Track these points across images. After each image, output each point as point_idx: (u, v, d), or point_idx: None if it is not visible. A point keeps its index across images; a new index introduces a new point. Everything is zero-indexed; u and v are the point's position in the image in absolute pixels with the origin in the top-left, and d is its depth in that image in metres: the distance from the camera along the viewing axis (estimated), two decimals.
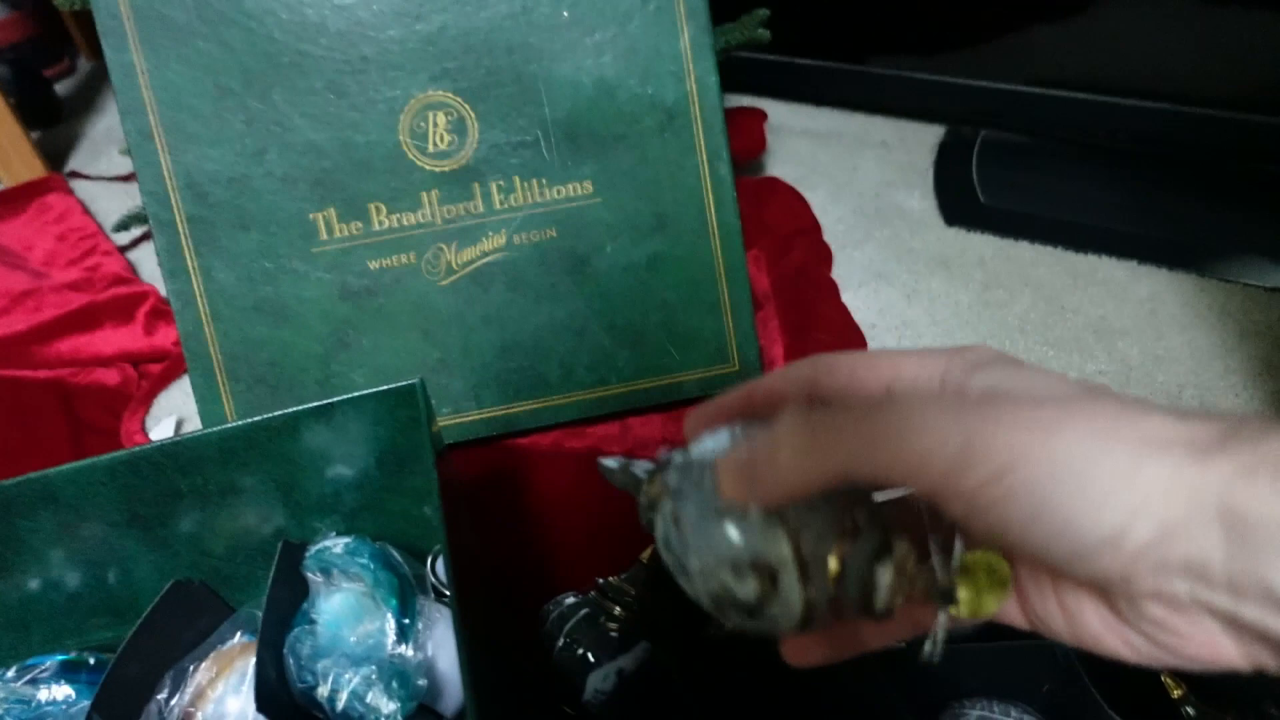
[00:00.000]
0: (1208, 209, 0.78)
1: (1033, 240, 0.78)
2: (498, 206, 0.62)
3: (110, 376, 0.77)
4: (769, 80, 1.03)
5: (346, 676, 0.43)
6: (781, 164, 0.93)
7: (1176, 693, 0.39)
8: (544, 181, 0.62)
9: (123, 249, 0.93)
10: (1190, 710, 0.39)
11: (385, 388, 0.45)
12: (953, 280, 0.75)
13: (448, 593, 0.43)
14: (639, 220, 0.62)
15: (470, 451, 0.64)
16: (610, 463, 0.30)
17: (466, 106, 0.61)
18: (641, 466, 0.29)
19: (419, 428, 0.45)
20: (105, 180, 1.06)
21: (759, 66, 1.02)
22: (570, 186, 0.62)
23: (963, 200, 0.84)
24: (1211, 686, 0.40)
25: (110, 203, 1.01)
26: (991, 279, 0.75)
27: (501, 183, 0.62)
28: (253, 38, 0.59)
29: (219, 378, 0.61)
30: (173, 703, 0.46)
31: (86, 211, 0.99)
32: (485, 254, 0.62)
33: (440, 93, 0.60)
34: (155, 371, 0.77)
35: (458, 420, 0.64)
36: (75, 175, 1.09)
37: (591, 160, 0.62)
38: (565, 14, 0.59)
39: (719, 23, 0.79)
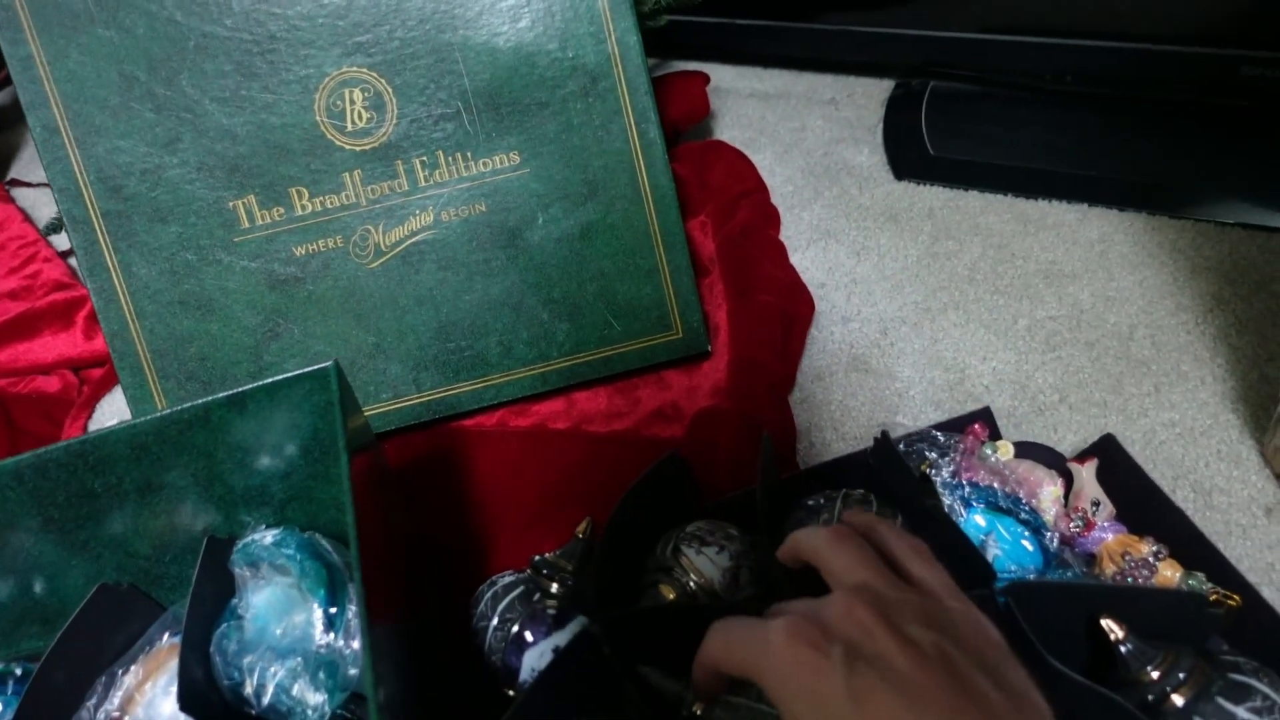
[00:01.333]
0: (1157, 147, 0.76)
1: (982, 189, 0.77)
2: (423, 183, 0.60)
3: (50, 384, 0.75)
4: (714, 43, 1.01)
5: (272, 670, 0.41)
6: (729, 127, 0.92)
7: (1115, 635, 0.38)
8: (469, 155, 0.60)
9: (63, 254, 0.91)
10: (1124, 648, 0.38)
11: (296, 373, 0.44)
12: (902, 234, 0.74)
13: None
14: (569, 189, 0.61)
15: (414, 436, 0.63)
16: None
17: (383, 81, 0.59)
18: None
19: (331, 413, 0.43)
20: (46, 187, 1.04)
21: (704, 30, 0.99)
22: (496, 158, 0.60)
23: (912, 153, 0.82)
24: (1151, 628, 0.39)
25: (52, 209, 0.98)
26: (941, 230, 0.73)
27: (425, 158, 0.60)
28: (154, 22, 0.57)
29: (149, 375, 0.60)
30: (102, 709, 0.44)
31: (27, 219, 0.97)
32: (414, 233, 0.61)
33: (354, 69, 0.58)
34: (96, 376, 0.75)
35: (398, 405, 0.62)
36: (16, 183, 1.07)
37: (516, 130, 0.60)
38: None
39: None
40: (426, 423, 0.63)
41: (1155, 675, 0.38)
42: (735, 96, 0.96)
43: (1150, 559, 0.46)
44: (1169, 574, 0.45)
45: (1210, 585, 0.44)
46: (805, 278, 0.71)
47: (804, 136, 0.88)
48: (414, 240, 0.61)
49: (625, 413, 0.62)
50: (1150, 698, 0.38)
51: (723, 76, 0.99)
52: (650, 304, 0.62)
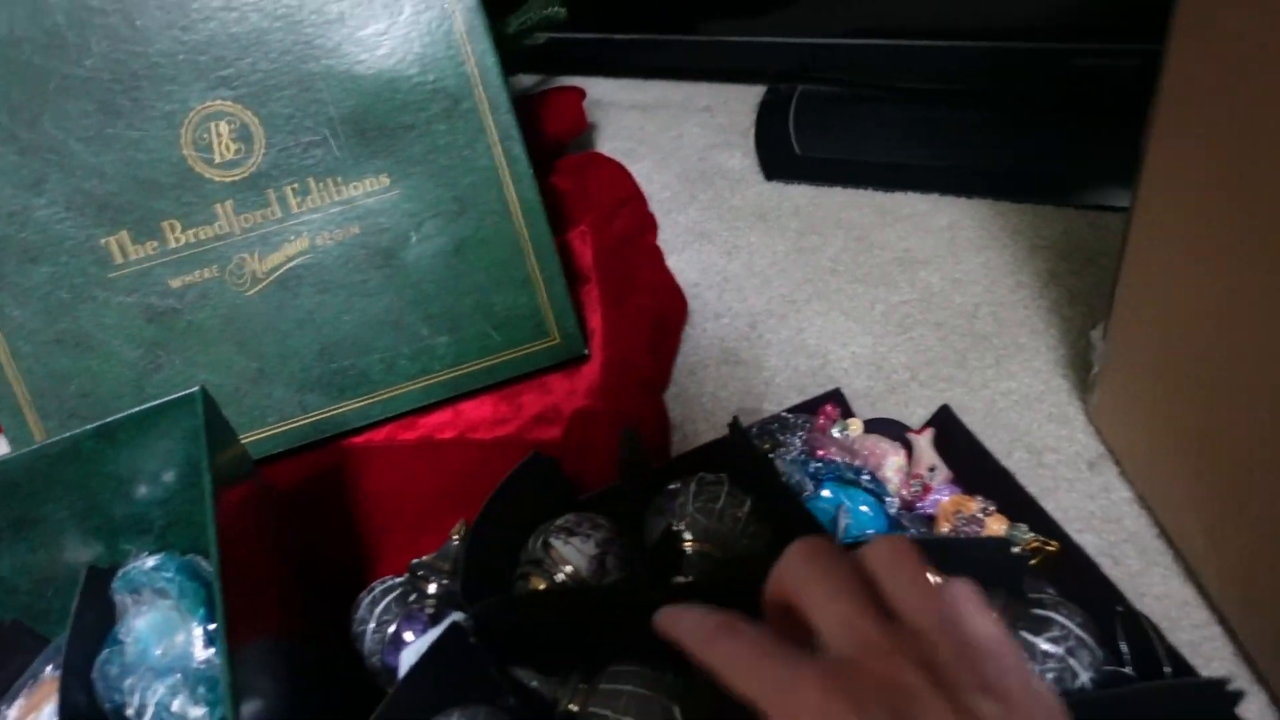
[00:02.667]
0: (1001, 138, 0.82)
1: (845, 185, 0.81)
2: (295, 210, 0.62)
3: None
4: (596, 58, 1.04)
5: (153, 689, 0.43)
6: (610, 139, 0.95)
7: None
8: (339, 180, 0.62)
9: None
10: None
11: (163, 401, 0.45)
12: (770, 231, 0.78)
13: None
14: (440, 207, 0.63)
15: (304, 456, 0.65)
16: None
17: (249, 112, 0.60)
18: None
19: (199, 439, 0.45)
20: None
21: (585, 45, 1.03)
22: (366, 182, 0.62)
23: (780, 154, 0.86)
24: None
25: None
26: (806, 226, 0.78)
27: (296, 185, 0.62)
28: (11, 66, 0.57)
29: (27, 416, 0.60)
30: None
31: None
32: (290, 259, 0.62)
33: (219, 102, 0.60)
34: None
35: (285, 427, 0.64)
36: None
37: (384, 154, 0.62)
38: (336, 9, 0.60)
39: (513, 7, 0.80)
40: (316, 443, 0.65)
41: None
42: (617, 108, 0.99)
43: (979, 515, 0.50)
44: (996, 527, 0.49)
45: (1032, 534, 0.49)
46: (680, 279, 0.74)
47: (681, 144, 0.92)
48: (290, 265, 0.62)
49: (509, 418, 0.65)
50: None
51: (605, 89, 1.02)
52: (527, 313, 0.65)
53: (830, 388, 0.63)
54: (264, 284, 0.62)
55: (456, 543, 0.51)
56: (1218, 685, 0.37)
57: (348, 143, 0.62)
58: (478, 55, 0.62)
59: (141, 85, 0.59)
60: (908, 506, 0.52)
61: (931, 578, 0.26)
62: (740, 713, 0.41)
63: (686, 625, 0.28)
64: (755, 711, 0.25)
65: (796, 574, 0.27)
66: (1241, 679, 0.45)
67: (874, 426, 0.57)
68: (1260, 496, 0.41)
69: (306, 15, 0.60)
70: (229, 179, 0.61)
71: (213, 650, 0.44)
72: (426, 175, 0.63)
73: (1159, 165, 0.46)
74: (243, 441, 0.63)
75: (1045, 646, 0.40)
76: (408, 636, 0.46)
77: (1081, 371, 0.60)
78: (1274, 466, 0.40)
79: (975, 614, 0.25)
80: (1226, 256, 0.41)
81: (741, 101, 0.97)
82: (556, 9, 0.78)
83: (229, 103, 0.60)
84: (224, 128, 0.60)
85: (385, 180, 0.62)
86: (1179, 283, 0.45)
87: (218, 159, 0.61)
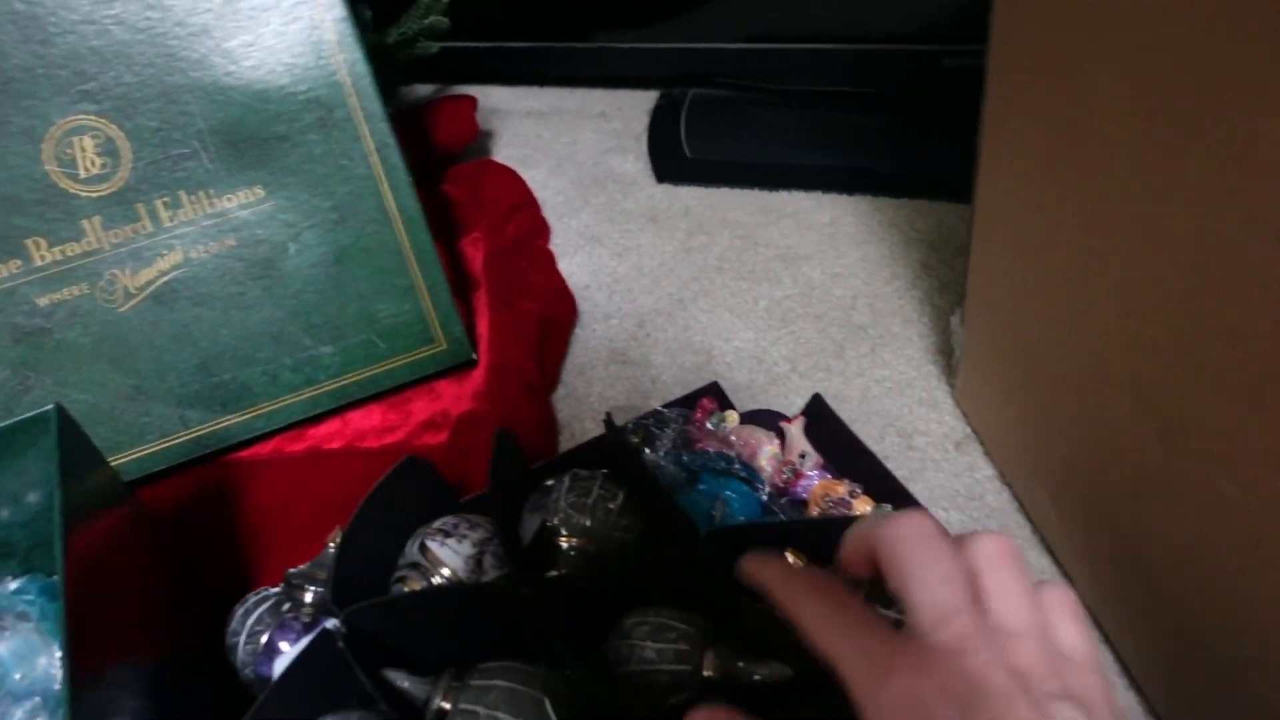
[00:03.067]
0: (879, 136, 0.85)
1: (732, 185, 0.83)
2: (167, 224, 0.61)
3: None
4: (491, 67, 1.05)
5: (9, 715, 0.42)
6: (506, 146, 0.95)
7: (797, 564, 0.44)
8: (211, 192, 0.61)
9: None
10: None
11: (14, 420, 0.44)
12: (660, 233, 0.79)
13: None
14: (317, 217, 0.63)
15: (187, 473, 0.63)
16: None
17: (114, 126, 0.59)
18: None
19: (53, 459, 0.44)
20: None
21: (479, 54, 1.03)
22: (240, 194, 0.62)
23: (671, 157, 0.88)
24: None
25: None
26: (695, 226, 0.79)
27: (167, 199, 0.61)
28: None
29: None
30: None
31: None
32: (163, 273, 0.61)
33: (82, 116, 0.59)
34: None
35: (166, 444, 0.63)
36: None
37: (257, 165, 0.62)
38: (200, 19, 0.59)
39: (396, 17, 0.80)
40: (200, 459, 0.64)
41: None
42: (512, 116, 1.00)
43: (847, 497, 0.52)
44: (863, 509, 0.51)
45: None
46: (572, 281, 0.75)
47: (576, 149, 0.93)
48: (165, 280, 0.61)
49: (398, 426, 0.65)
50: None
51: (501, 98, 1.02)
52: (411, 320, 0.65)
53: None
54: (137, 299, 0.61)
55: (332, 550, 0.50)
56: None
57: (219, 155, 0.61)
58: (349, 65, 0.62)
59: None
60: (780, 492, 0.53)
61: (1030, 582, 0.26)
62: (612, 709, 0.42)
63: (772, 573, 0.29)
64: (834, 672, 0.25)
65: (904, 547, 0.26)
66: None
67: (751, 418, 0.58)
68: (1091, 463, 0.44)
69: (170, 28, 0.59)
70: (96, 194, 0.60)
71: None
72: (302, 186, 0.62)
73: (991, 160, 0.48)
74: (122, 459, 0.62)
75: (898, 618, 0.42)
76: (283, 646, 0.46)
77: (949, 357, 0.63)
78: (1101, 435, 0.42)
79: (1070, 622, 0.26)
80: (1053, 242, 0.43)
81: (635, 107, 0.98)
82: (438, 18, 0.78)
83: (92, 117, 0.59)
84: (88, 142, 0.59)
85: (260, 191, 0.62)
86: (1015, 268, 0.48)
87: (83, 174, 0.59)
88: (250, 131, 0.61)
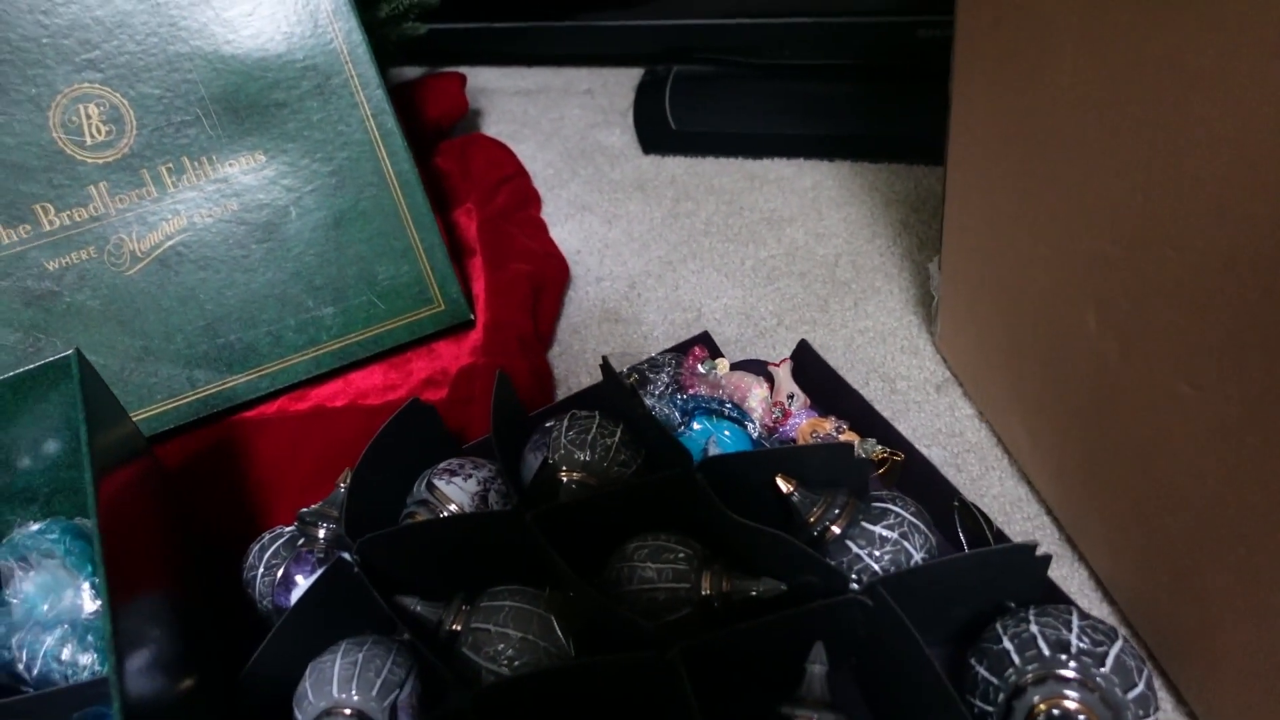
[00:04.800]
0: (859, 104, 0.88)
1: (717, 155, 0.86)
2: (171, 189, 0.63)
3: None
4: (478, 48, 1.07)
5: (40, 641, 0.44)
6: (495, 123, 0.97)
7: (787, 488, 0.46)
8: (214, 158, 0.63)
9: None
10: (794, 498, 0.46)
11: (35, 366, 0.46)
12: (648, 201, 0.82)
13: None
14: (316, 182, 0.65)
15: (195, 433, 0.65)
16: None
17: (117, 95, 0.61)
18: None
19: (74, 403, 0.46)
20: None
21: (466, 35, 1.05)
22: (242, 159, 0.64)
23: (657, 130, 0.90)
24: (819, 480, 0.47)
25: None
26: (681, 193, 0.82)
27: (171, 165, 0.63)
28: None
29: None
30: None
31: None
32: (169, 237, 0.63)
33: (86, 84, 0.61)
34: None
35: (174, 404, 0.64)
36: None
37: (258, 131, 0.64)
38: None
39: None
40: (207, 418, 0.66)
41: (817, 514, 0.46)
42: (500, 95, 1.02)
43: (834, 432, 0.54)
44: (852, 441, 0.54)
45: (880, 447, 0.53)
46: (564, 247, 0.77)
47: (563, 125, 0.95)
48: (170, 244, 0.63)
49: (399, 384, 0.67)
50: (815, 533, 0.46)
51: (488, 78, 1.05)
52: (410, 281, 0.67)
53: None
54: (144, 263, 0.63)
55: (343, 490, 0.52)
56: (1028, 550, 0.42)
57: (221, 121, 0.63)
58: (345, 33, 0.64)
59: (4, 70, 0.59)
60: (770, 431, 0.56)
61: None
62: (614, 625, 0.44)
63: None
64: None
65: None
66: (1065, 558, 0.50)
67: (740, 366, 0.61)
68: (1060, 385, 0.47)
69: None
70: (101, 160, 0.61)
71: (100, 602, 0.45)
72: (302, 151, 0.64)
73: (960, 112, 0.51)
74: (133, 419, 0.64)
75: (882, 532, 0.45)
76: (299, 579, 0.48)
77: (929, 307, 0.66)
78: (1068, 356, 0.45)
79: None
80: (1018, 181, 0.46)
81: (620, 84, 1.00)
82: None
83: (97, 85, 0.61)
84: (93, 110, 0.61)
85: (261, 157, 0.64)
86: (985, 210, 0.51)
87: (89, 141, 0.61)
88: (250, 98, 0.63)
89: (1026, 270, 0.47)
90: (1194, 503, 0.38)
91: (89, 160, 0.61)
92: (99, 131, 0.61)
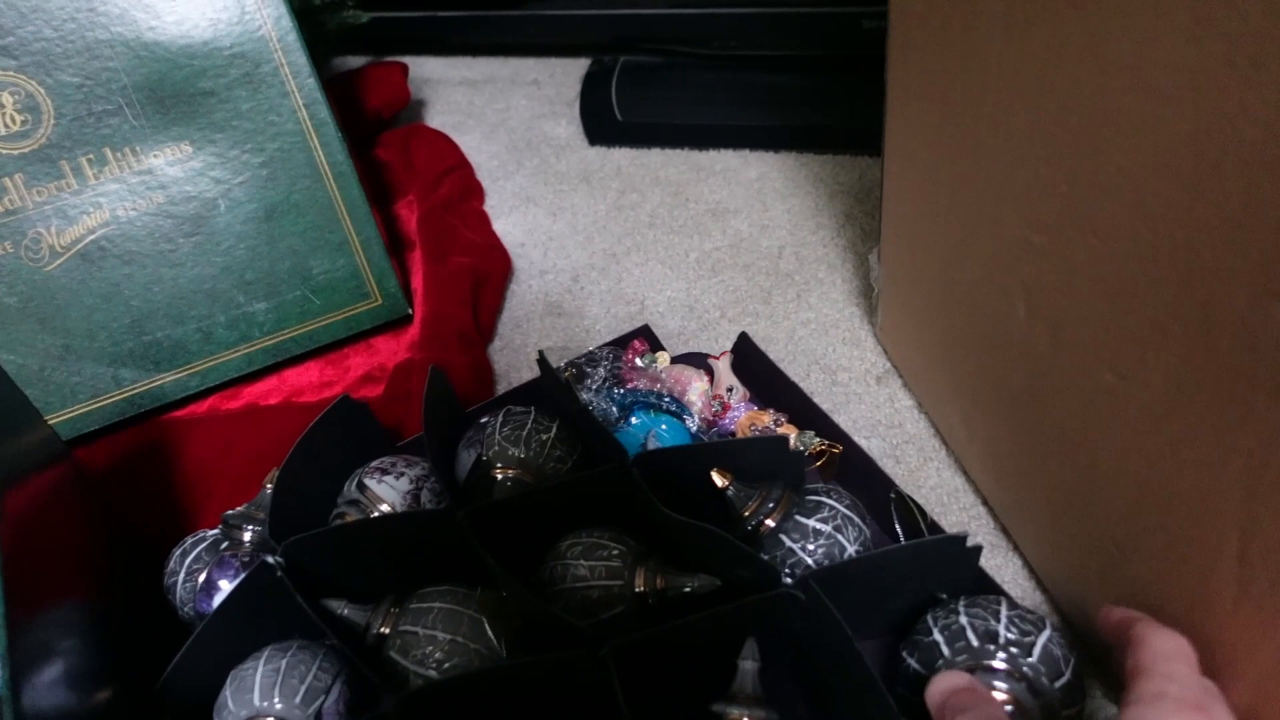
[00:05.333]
0: (804, 96, 0.87)
1: (663, 146, 0.85)
2: (93, 181, 0.61)
3: None
4: (423, 36, 1.05)
5: None
6: (440, 113, 0.96)
7: (722, 482, 0.46)
8: (138, 149, 0.61)
9: None
10: (730, 492, 0.45)
11: None
12: (593, 192, 0.81)
13: None
14: (246, 174, 0.63)
15: (124, 433, 0.63)
16: None
17: (33, 83, 0.59)
18: None
19: None
20: None
21: (411, 24, 1.03)
22: (168, 151, 0.61)
23: (603, 121, 0.89)
24: (756, 473, 0.47)
25: None
26: (627, 185, 0.81)
27: (92, 156, 0.60)
28: None
29: None
30: None
31: None
32: (91, 230, 0.61)
33: (0, 72, 0.58)
34: None
35: (99, 404, 0.62)
36: None
37: (184, 121, 0.61)
38: None
39: None
40: (135, 418, 0.64)
41: (752, 508, 0.45)
42: (445, 85, 1.00)
43: (772, 425, 0.54)
44: (789, 435, 0.53)
45: (819, 439, 0.53)
46: (507, 240, 0.76)
47: (509, 115, 0.94)
48: (92, 238, 0.61)
49: (335, 381, 0.65)
50: (750, 527, 0.45)
51: (433, 68, 1.03)
52: (346, 275, 0.66)
53: None
54: (64, 258, 0.61)
55: (270, 490, 0.51)
56: (959, 540, 0.42)
57: (144, 111, 0.61)
58: (274, 20, 0.62)
59: None
60: (710, 425, 0.55)
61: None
62: (547, 624, 0.43)
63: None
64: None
65: (1166, 666, 0.33)
66: (1000, 548, 0.50)
67: (682, 359, 0.60)
68: (996, 384, 0.47)
69: None
70: (17, 151, 0.59)
71: None
72: (231, 142, 0.62)
73: (896, 103, 0.51)
74: (54, 420, 0.62)
75: (816, 525, 0.44)
76: (222, 584, 0.47)
77: (872, 298, 0.66)
78: (1000, 345, 0.45)
79: None
80: (951, 170, 0.46)
81: (568, 74, 0.99)
82: None
83: (11, 73, 0.58)
84: (7, 98, 0.59)
85: (188, 148, 0.62)
86: (922, 201, 0.50)
87: (3, 131, 0.59)
88: (176, 87, 0.61)
89: (960, 260, 0.47)
90: (1120, 491, 0.38)
91: (3, 151, 0.59)
92: (14, 121, 0.59)
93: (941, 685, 0.36)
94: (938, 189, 0.48)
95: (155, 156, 0.61)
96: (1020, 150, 0.38)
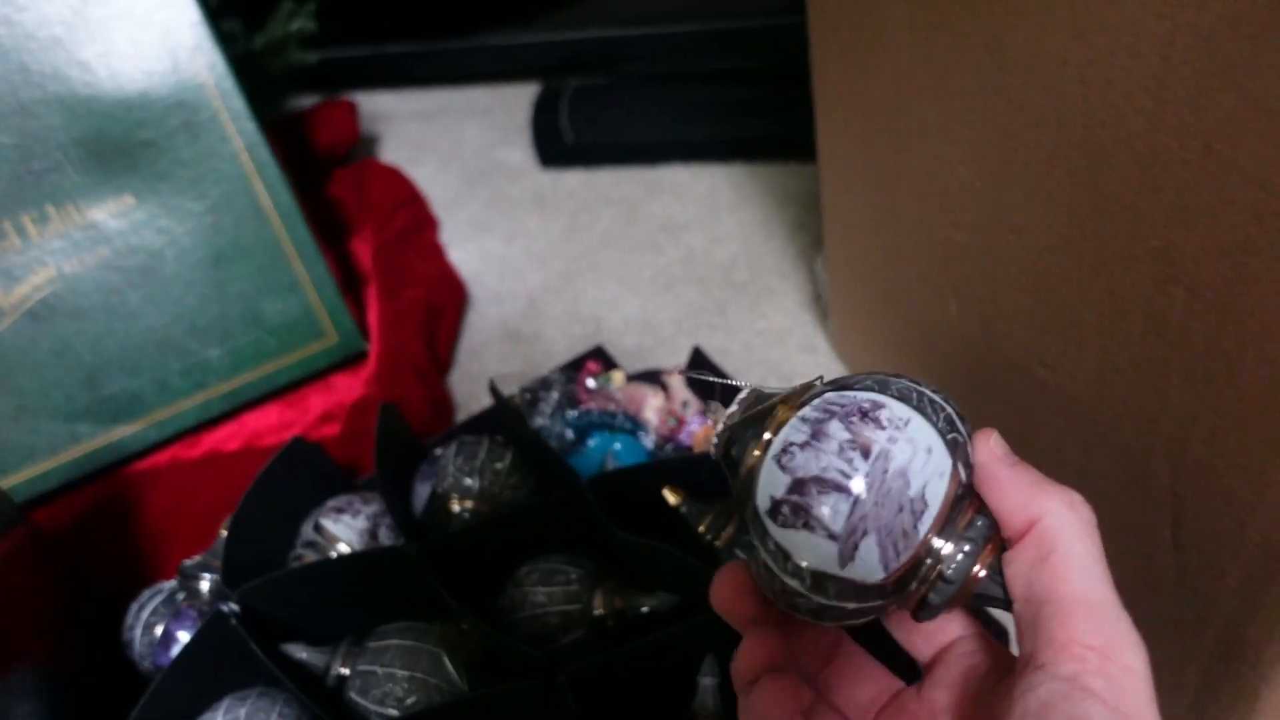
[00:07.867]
0: (752, 108, 0.88)
1: (615, 164, 0.86)
2: (36, 239, 0.60)
3: None
4: (373, 72, 1.05)
5: None
6: (393, 149, 0.96)
7: (674, 500, 0.46)
8: (80, 204, 0.61)
9: None
10: (683, 510, 0.45)
11: None
12: (547, 216, 0.81)
13: None
14: (191, 221, 0.63)
15: (84, 489, 0.63)
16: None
17: None
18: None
19: None
20: None
21: (360, 62, 1.04)
22: (110, 203, 0.61)
23: (554, 144, 0.90)
24: (712, 489, 0.47)
25: None
26: (580, 206, 0.81)
27: (34, 214, 0.60)
28: None
29: None
30: None
31: None
32: (37, 289, 0.61)
33: None
34: None
35: (57, 461, 0.62)
36: None
37: (126, 173, 0.61)
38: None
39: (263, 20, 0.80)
40: (95, 473, 0.63)
41: (706, 524, 0.45)
42: (397, 119, 1.00)
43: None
44: None
45: None
46: (464, 269, 0.76)
47: (462, 146, 0.94)
48: (40, 296, 0.61)
49: (295, 422, 0.65)
50: (705, 542, 0.45)
51: (387, 102, 1.03)
52: (299, 315, 0.65)
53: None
54: (11, 319, 0.60)
55: (225, 537, 0.51)
56: None
57: (85, 166, 0.61)
58: (210, 67, 0.62)
59: None
60: (667, 440, 0.55)
61: None
62: (507, 654, 0.43)
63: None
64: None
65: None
66: None
67: (639, 376, 0.60)
68: (935, 371, 0.47)
69: (20, 41, 0.59)
70: None
71: None
72: (174, 190, 0.62)
73: (824, 113, 0.51)
74: (11, 481, 0.61)
75: None
76: (180, 635, 0.46)
77: (825, 304, 0.66)
78: (939, 343, 0.45)
79: None
80: (879, 174, 0.46)
81: (520, 100, 1.00)
82: (305, 23, 0.79)
83: None
84: None
85: (131, 200, 0.62)
86: (856, 206, 0.51)
87: None
88: (115, 140, 0.61)
89: (895, 262, 0.48)
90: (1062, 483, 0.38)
91: None
92: None
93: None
94: (869, 193, 0.48)
95: (98, 210, 0.61)
96: (937, 150, 0.39)
